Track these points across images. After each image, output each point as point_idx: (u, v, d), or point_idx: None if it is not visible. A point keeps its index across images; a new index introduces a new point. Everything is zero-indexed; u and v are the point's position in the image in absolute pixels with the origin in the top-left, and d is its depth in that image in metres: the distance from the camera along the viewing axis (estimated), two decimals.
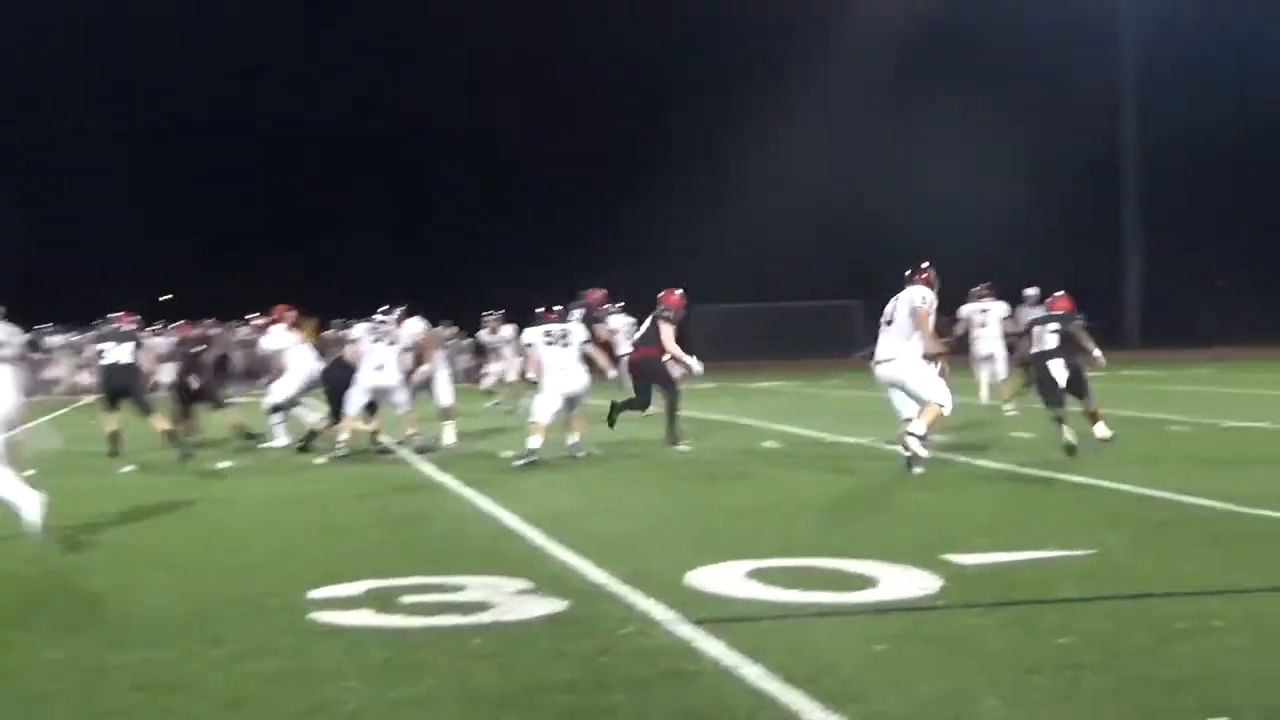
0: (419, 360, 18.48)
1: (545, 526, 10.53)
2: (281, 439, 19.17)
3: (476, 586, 8.15)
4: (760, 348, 52.31)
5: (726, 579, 8.23)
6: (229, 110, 64.34)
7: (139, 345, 18.76)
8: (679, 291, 18.31)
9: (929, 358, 14.26)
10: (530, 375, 17.22)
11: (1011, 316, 23.46)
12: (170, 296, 56.08)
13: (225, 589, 8.42)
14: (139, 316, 19.56)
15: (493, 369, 28.59)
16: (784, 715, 5.64)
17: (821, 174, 63.09)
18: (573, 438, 16.40)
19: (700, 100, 63.40)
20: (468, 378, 33.89)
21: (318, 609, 7.65)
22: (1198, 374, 35.60)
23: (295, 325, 21.08)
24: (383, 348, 17.56)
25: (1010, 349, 22.17)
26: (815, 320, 56.04)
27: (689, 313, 19.34)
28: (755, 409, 22.04)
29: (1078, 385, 15.90)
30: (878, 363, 14.30)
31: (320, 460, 16.81)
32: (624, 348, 23.48)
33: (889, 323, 14.25)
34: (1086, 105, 60.94)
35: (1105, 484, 12.47)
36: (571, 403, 16.52)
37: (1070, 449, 14.87)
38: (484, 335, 29.59)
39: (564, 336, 16.61)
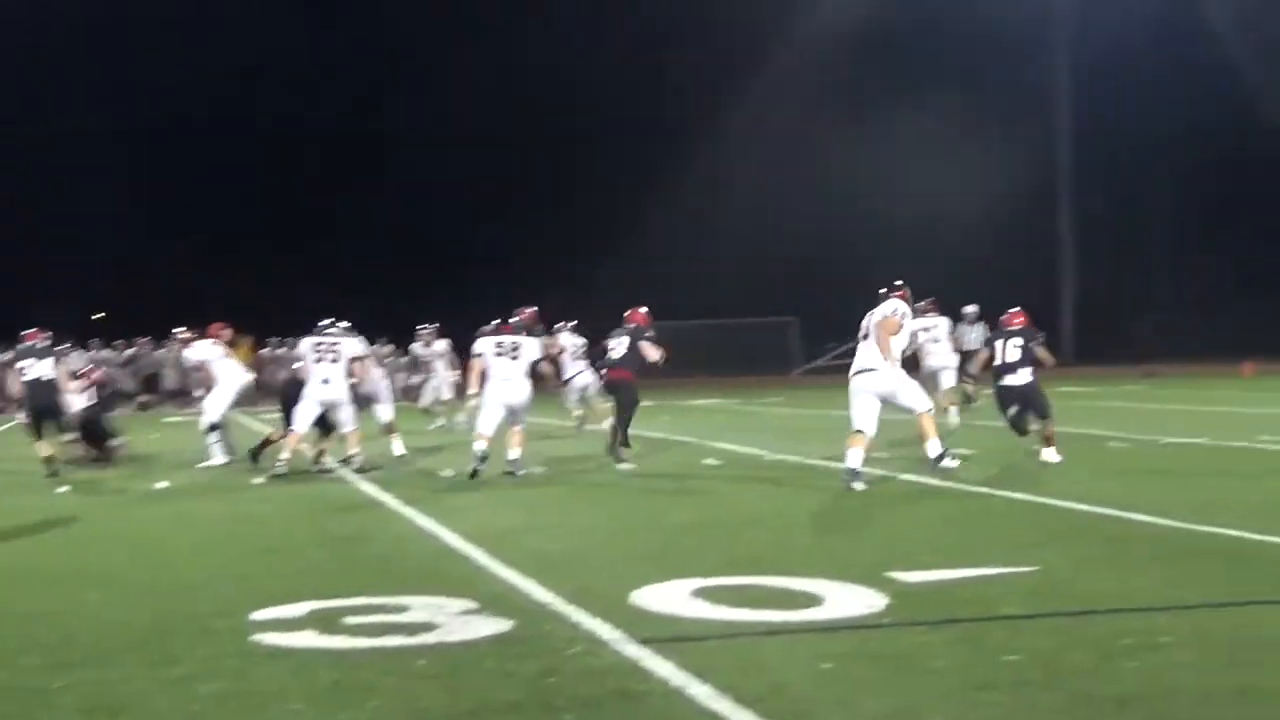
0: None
1: (487, 545, 10.48)
2: (219, 458, 19.01)
3: (420, 607, 8.09)
4: (697, 364, 52.33)
5: (672, 597, 8.21)
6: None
7: (58, 360, 18.70)
8: (644, 310, 18.78)
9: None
10: (471, 390, 17.18)
11: (953, 334, 23.53)
12: (103, 315, 55.63)
13: (167, 610, 8.32)
14: (50, 333, 19.41)
15: (429, 385, 28.39)
16: None
17: (758, 190, 63.31)
18: (513, 453, 16.35)
19: (637, 118, 63.43)
20: (406, 395, 33.72)
21: (261, 630, 7.58)
22: (1131, 390, 35.92)
23: (230, 344, 20.91)
24: (327, 364, 17.49)
25: (963, 364, 22.24)
26: (752, 337, 56.08)
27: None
28: (694, 426, 22.06)
29: (1040, 405, 16.24)
30: (856, 373, 14.41)
31: (259, 479, 16.67)
32: (571, 368, 23.59)
33: (865, 336, 14.43)
34: (1022, 121, 61.32)
35: (1048, 500, 12.54)
36: (513, 415, 16.50)
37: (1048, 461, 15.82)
38: (418, 348, 29.38)
39: (514, 349, 16.65)
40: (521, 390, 16.56)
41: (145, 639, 7.50)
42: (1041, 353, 16.67)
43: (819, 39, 59.29)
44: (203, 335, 20.54)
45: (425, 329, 28.77)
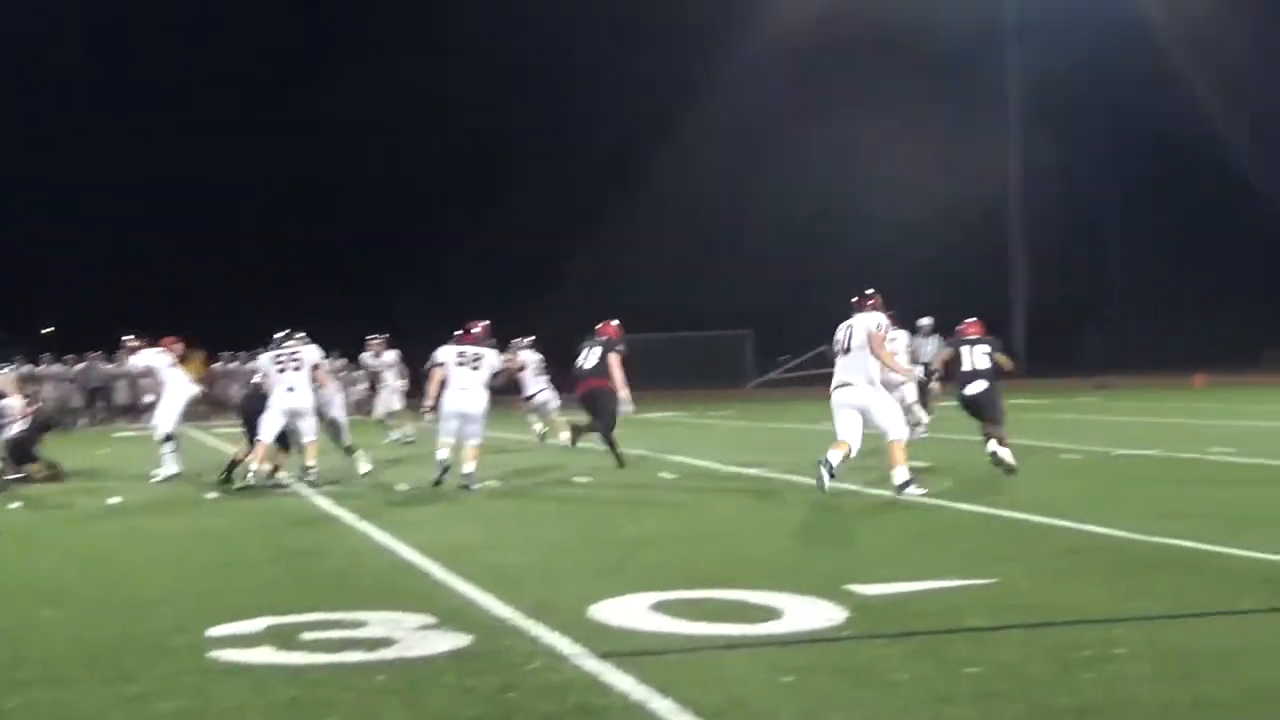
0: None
1: (444, 560, 10.44)
2: (172, 467, 18.90)
3: (377, 622, 8.05)
4: (651, 378, 52.37)
5: (631, 611, 8.19)
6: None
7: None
8: (615, 322, 19.34)
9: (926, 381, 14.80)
10: (429, 399, 17.20)
11: (909, 347, 23.56)
12: (52, 330, 55.29)
13: (123, 627, 8.26)
14: None
15: (379, 397, 28.24)
16: None
17: (711, 202, 63.43)
18: (468, 466, 16.34)
19: (589, 132, 63.44)
20: (359, 409, 33.59)
21: (218, 647, 7.53)
22: (1083, 402, 36.11)
23: (182, 358, 20.80)
24: (291, 372, 17.46)
25: (928, 375, 22.29)
26: (706, 350, 56.16)
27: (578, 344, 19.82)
28: (649, 439, 22.05)
29: (993, 410, 16.44)
30: (836, 387, 14.38)
31: (212, 495, 16.58)
32: (532, 384, 23.62)
33: (846, 350, 14.34)
34: (974, 135, 61.62)
35: (1003, 513, 12.57)
36: (468, 426, 16.50)
37: (1010, 470, 15.87)
38: (367, 358, 29.20)
39: (476, 359, 16.73)
40: (478, 401, 16.61)
41: (101, 656, 7.44)
42: (1002, 358, 16.93)
43: (773, 51, 59.45)
44: (153, 344, 20.41)
45: (374, 339, 28.59)
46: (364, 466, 18.45)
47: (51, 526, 14.00)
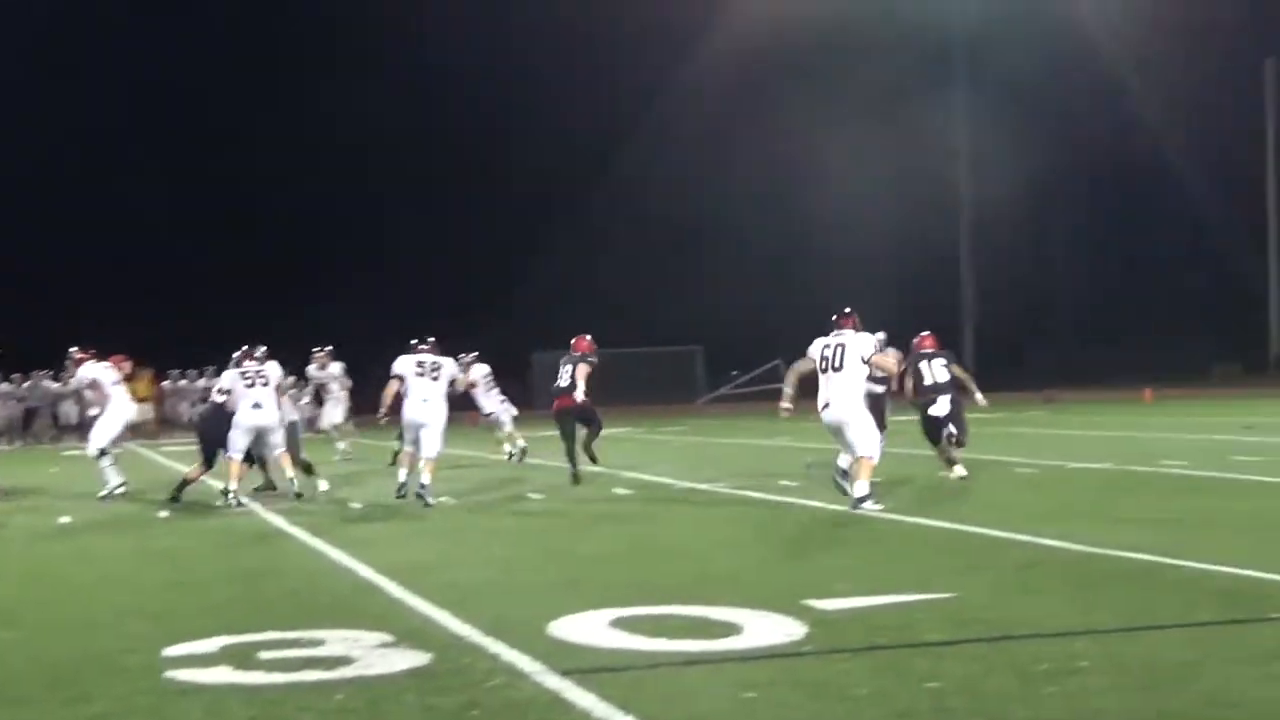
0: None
1: (401, 578, 10.38)
2: (114, 480, 18.74)
3: (335, 641, 7.99)
4: (602, 393, 52.29)
5: (590, 628, 8.16)
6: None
7: None
8: (588, 337, 19.43)
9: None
10: (382, 411, 17.19)
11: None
12: (2, 352, 54.70)
13: (78, 648, 8.17)
14: None
15: (325, 411, 28.01)
16: None
17: (661, 217, 63.41)
18: (425, 478, 16.35)
19: (540, 146, 63.37)
20: (310, 426, 33.37)
21: (175, 666, 7.45)
22: (1034, 415, 36.30)
23: (130, 377, 20.64)
24: (259, 389, 17.34)
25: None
26: (656, 366, 56.15)
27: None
28: (603, 455, 21.96)
29: (960, 423, 16.79)
30: (824, 407, 14.37)
31: (164, 514, 16.44)
32: (486, 400, 23.58)
33: (837, 368, 14.33)
34: (923, 152, 61.95)
35: (960, 527, 12.61)
36: (427, 437, 16.46)
37: (959, 478, 16.56)
38: (312, 370, 28.97)
39: (435, 369, 16.71)
40: (439, 412, 16.64)
41: (57, 678, 7.35)
42: (958, 369, 17.28)
43: (722, 65, 59.56)
44: (99, 358, 20.19)
45: (319, 351, 28.32)
46: (322, 485, 18.33)
47: (1, 547, 13.85)
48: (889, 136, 59.11)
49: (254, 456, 17.92)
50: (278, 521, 15.18)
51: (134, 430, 31.31)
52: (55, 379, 40.54)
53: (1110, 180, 64.62)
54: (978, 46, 61.83)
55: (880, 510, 13.84)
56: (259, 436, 17.53)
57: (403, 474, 16.63)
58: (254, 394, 17.38)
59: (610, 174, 61.53)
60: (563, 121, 62.34)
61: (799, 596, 8.88)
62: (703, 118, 62.77)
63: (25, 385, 42.06)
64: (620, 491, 17.59)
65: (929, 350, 17.54)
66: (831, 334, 14.59)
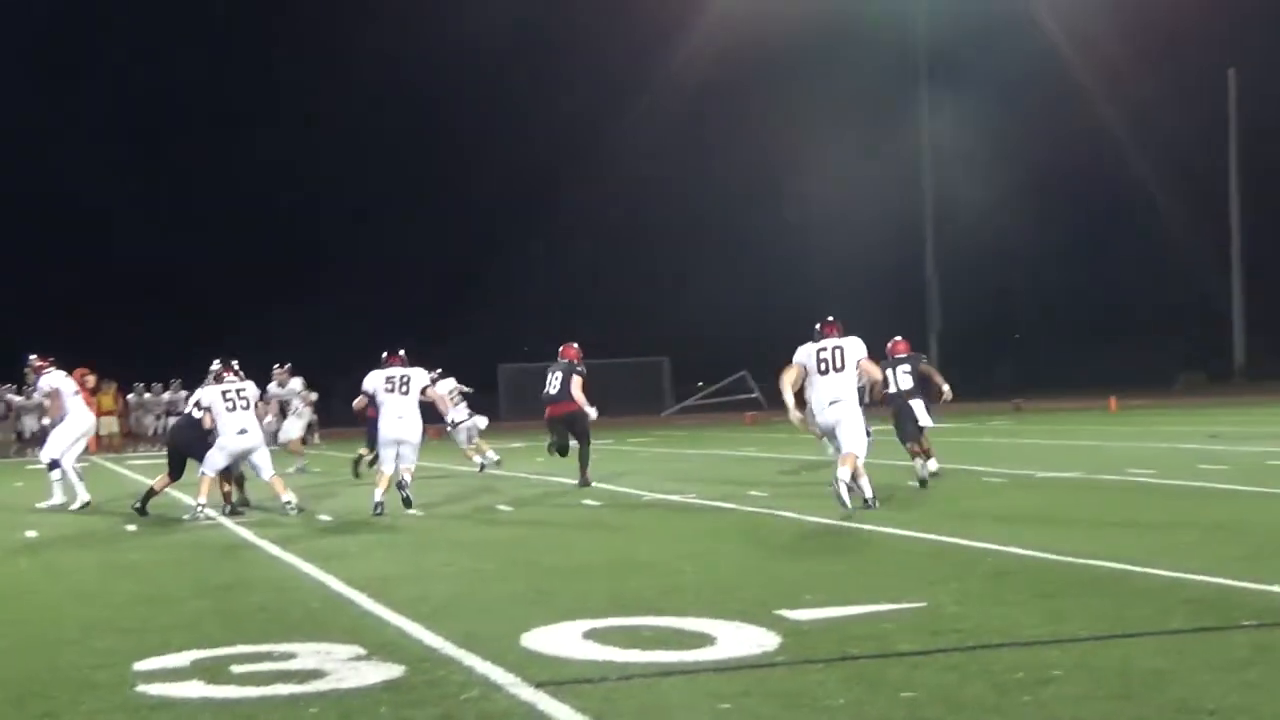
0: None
1: (372, 590, 10.35)
2: (57, 498, 18.67)
3: (307, 654, 7.96)
4: None
5: (563, 640, 8.14)
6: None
7: None
8: (575, 345, 19.93)
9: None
10: (364, 429, 17.23)
11: None
12: None
13: (47, 663, 8.11)
14: None
15: (285, 425, 27.90)
16: None
17: (627, 226, 63.50)
18: (404, 476, 16.42)
19: (509, 156, 63.38)
20: (273, 440, 33.24)
21: (146, 681, 7.41)
22: (1000, 425, 36.42)
23: (94, 390, 20.55)
24: (241, 413, 17.15)
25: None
26: (623, 377, 56.15)
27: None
28: (570, 467, 21.95)
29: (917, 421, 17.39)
30: (831, 404, 14.76)
31: (132, 527, 16.35)
32: (455, 413, 23.57)
33: (839, 369, 14.77)
34: (889, 164, 62.17)
35: (930, 536, 12.61)
36: (405, 452, 16.46)
37: (923, 482, 16.95)
38: (273, 388, 28.85)
39: (405, 382, 16.65)
40: (415, 427, 16.71)
41: (26, 694, 7.29)
42: (926, 368, 17.81)
43: (684, 74, 59.67)
44: (59, 366, 20.06)
45: (279, 368, 28.27)
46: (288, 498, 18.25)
47: None
48: (853, 150, 59.30)
49: (230, 473, 17.73)
50: (247, 534, 15.12)
51: (100, 442, 31.28)
52: (19, 393, 40.38)
53: (1076, 191, 64.91)
54: (945, 62, 62.09)
55: (849, 507, 14.14)
56: (245, 459, 17.38)
57: (379, 493, 16.44)
58: (237, 419, 17.06)
59: (574, 186, 61.53)
60: (531, 127, 62.49)
61: (771, 607, 8.88)
62: (666, 130, 62.84)
63: None
64: (590, 503, 17.56)
65: (901, 355, 18.10)
66: (821, 340, 14.94)
